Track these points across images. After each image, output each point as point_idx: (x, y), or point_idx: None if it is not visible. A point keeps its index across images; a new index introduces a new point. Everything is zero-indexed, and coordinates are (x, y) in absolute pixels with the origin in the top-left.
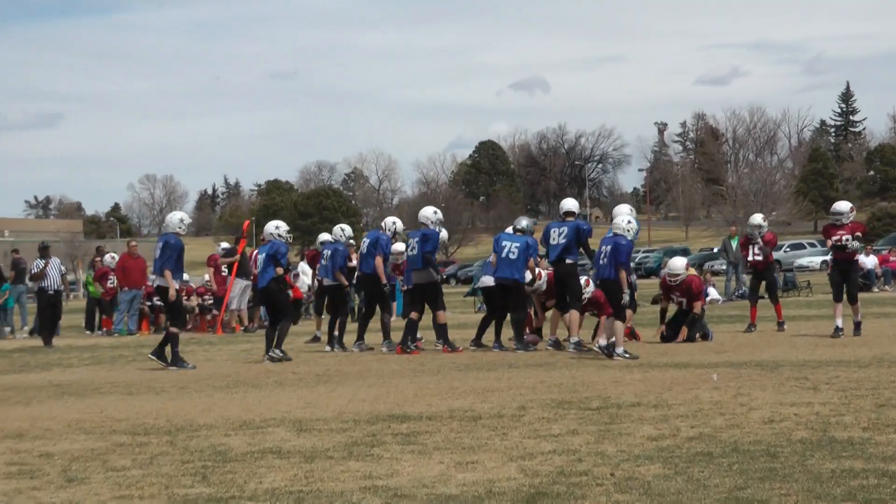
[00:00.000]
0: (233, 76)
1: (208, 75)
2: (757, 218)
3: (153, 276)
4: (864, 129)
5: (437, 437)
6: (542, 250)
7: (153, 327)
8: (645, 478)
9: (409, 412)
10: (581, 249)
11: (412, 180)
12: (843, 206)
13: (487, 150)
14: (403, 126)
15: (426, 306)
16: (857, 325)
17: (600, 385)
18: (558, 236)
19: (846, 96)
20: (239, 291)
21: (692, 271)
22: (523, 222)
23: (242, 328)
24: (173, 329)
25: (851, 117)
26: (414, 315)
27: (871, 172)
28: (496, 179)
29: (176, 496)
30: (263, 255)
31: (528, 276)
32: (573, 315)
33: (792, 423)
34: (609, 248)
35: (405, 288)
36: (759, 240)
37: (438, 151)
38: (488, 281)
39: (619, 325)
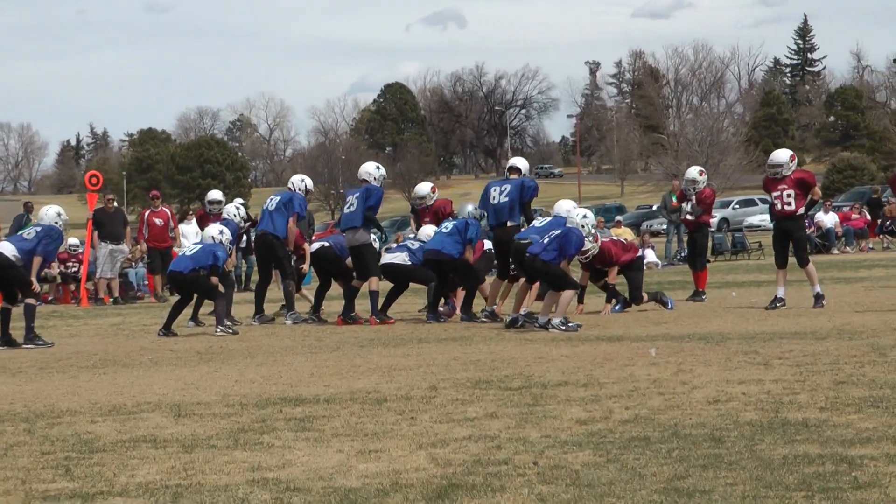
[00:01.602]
0: (99, 9)
1: (71, 8)
2: (692, 171)
3: None
4: (823, 68)
5: (336, 423)
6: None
7: None
8: (573, 466)
9: (304, 394)
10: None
11: (307, 129)
12: (781, 155)
13: (394, 94)
14: (297, 66)
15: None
16: (818, 297)
17: (522, 362)
18: (499, 195)
19: (803, 31)
20: (105, 257)
21: (610, 234)
22: (468, 208)
23: (112, 299)
24: (29, 300)
25: (809, 55)
26: (356, 283)
27: (832, 118)
28: (404, 127)
29: (35, 492)
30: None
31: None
32: (495, 283)
33: (739, 404)
34: (559, 232)
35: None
36: (693, 197)
37: (338, 96)
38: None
39: (567, 294)
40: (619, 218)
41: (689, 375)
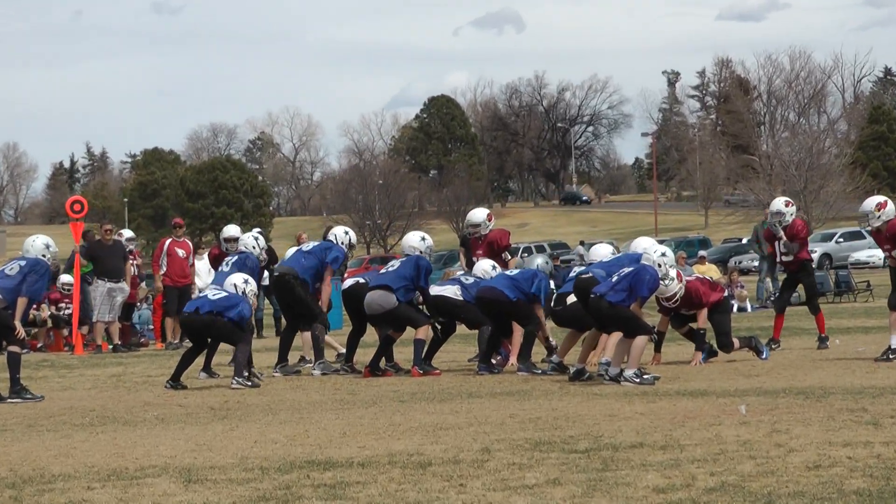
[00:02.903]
0: (98, 10)
1: (66, 9)
2: (777, 203)
3: None
4: None
5: (373, 490)
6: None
7: None
8: None
9: (335, 457)
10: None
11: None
12: (867, 204)
13: (440, 109)
14: (327, 77)
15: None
16: None
17: (590, 420)
18: None
19: None
20: (102, 297)
21: (693, 271)
22: (538, 261)
23: (111, 346)
24: (13, 348)
25: None
26: (394, 333)
27: None
28: (452, 147)
29: None
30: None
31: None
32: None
33: (845, 469)
34: (630, 270)
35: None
36: (782, 233)
37: (375, 111)
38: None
39: (639, 340)
40: (703, 253)
41: (786, 437)
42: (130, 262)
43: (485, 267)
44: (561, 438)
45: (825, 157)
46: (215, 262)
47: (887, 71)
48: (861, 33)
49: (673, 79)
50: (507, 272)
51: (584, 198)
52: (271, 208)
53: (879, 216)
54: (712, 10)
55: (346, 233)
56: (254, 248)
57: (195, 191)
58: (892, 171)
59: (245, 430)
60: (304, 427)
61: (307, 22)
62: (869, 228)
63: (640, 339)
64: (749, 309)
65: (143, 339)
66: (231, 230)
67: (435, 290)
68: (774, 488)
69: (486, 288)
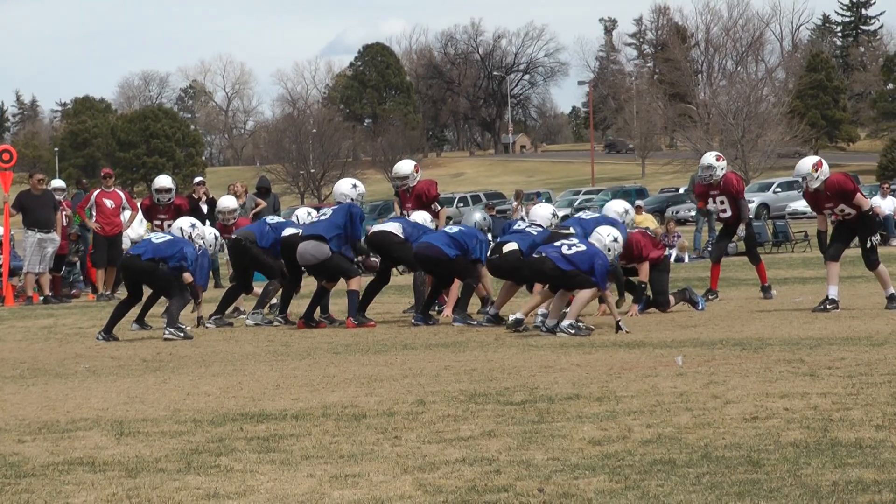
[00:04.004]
0: None
1: None
2: (708, 157)
3: None
4: (880, 27)
5: (306, 443)
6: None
7: None
8: (585, 494)
9: (269, 409)
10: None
11: (272, 98)
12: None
13: (375, 57)
14: (260, 24)
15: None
16: (891, 299)
17: (526, 371)
18: None
19: None
20: (33, 248)
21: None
22: (476, 216)
23: (41, 297)
24: None
25: (863, 11)
26: (327, 284)
27: (890, 86)
28: (387, 96)
29: None
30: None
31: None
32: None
33: (781, 421)
34: (583, 251)
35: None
36: (717, 191)
37: (308, 58)
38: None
39: (584, 294)
40: (639, 203)
41: (723, 388)
42: (60, 212)
43: (425, 217)
44: (496, 390)
45: (763, 106)
46: (147, 213)
47: (826, 19)
48: None
49: (610, 26)
50: (447, 229)
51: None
52: (204, 158)
53: (818, 176)
54: None
55: (354, 186)
56: (210, 245)
57: (126, 140)
58: (830, 120)
59: (178, 382)
60: (238, 379)
61: None
62: (805, 189)
63: (585, 293)
64: (686, 259)
65: (74, 291)
66: (162, 181)
67: (376, 226)
68: (711, 440)
69: (425, 244)
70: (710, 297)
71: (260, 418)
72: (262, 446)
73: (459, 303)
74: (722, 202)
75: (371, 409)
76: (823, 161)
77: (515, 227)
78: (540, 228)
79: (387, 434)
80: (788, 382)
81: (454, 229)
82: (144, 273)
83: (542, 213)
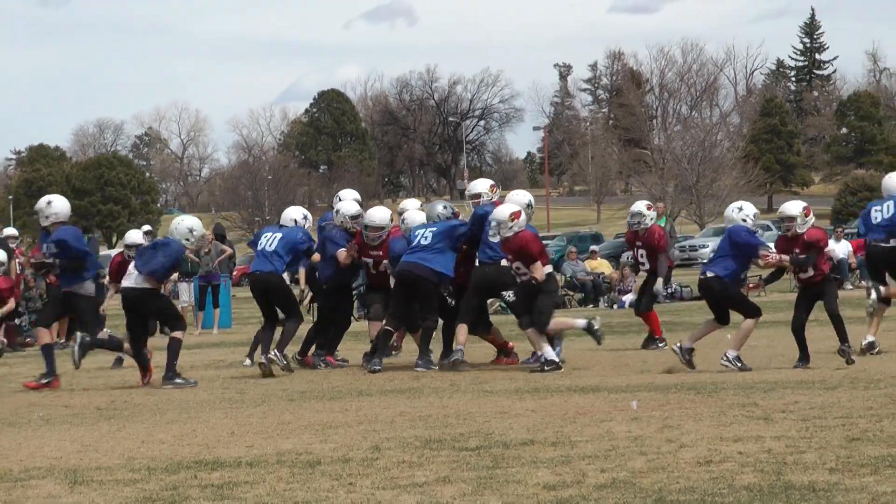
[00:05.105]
0: None
1: None
2: (639, 205)
3: None
4: (834, 72)
5: (260, 490)
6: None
7: None
8: None
9: (223, 456)
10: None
11: (227, 145)
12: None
13: (330, 103)
14: (216, 71)
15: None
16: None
17: (481, 417)
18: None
19: (810, 29)
20: None
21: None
22: (438, 208)
23: None
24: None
25: (817, 56)
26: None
27: (844, 130)
28: (342, 142)
29: None
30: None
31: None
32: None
33: (735, 465)
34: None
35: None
36: (640, 241)
37: (263, 105)
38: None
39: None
40: (594, 248)
41: (677, 432)
42: (14, 260)
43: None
44: (451, 436)
45: (717, 151)
46: (117, 271)
47: (780, 63)
48: (754, 25)
49: (565, 72)
50: (421, 240)
51: None
52: (159, 205)
53: (805, 223)
54: (605, 2)
55: (305, 217)
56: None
57: (81, 188)
58: (784, 165)
59: (132, 429)
60: (192, 426)
61: (195, 15)
62: (789, 234)
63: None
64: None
65: (28, 339)
66: (133, 236)
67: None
68: (665, 484)
69: (412, 264)
70: (658, 345)
71: (214, 466)
72: (216, 494)
73: (421, 347)
74: (642, 255)
75: (326, 455)
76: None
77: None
78: None
79: (341, 481)
80: (742, 426)
81: (428, 235)
82: (140, 301)
83: (420, 217)
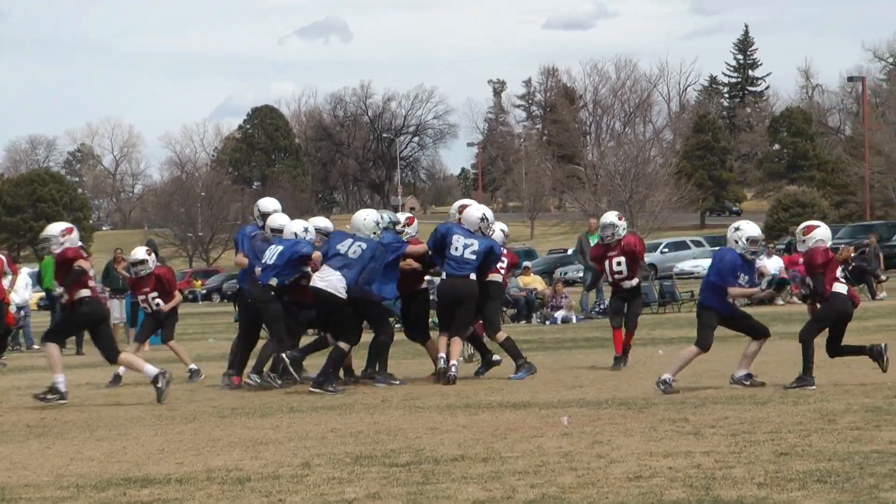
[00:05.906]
0: None
1: None
2: (610, 216)
3: None
4: (766, 88)
5: None
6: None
7: None
8: None
9: (153, 474)
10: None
11: (160, 161)
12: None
13: (263, 119)
14: (149, 87)
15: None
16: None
17: (412, 433)
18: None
19: (744, 45)
20: None
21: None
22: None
23: None
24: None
25: (750, 73)
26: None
27: (776, 146)
28: (275, 158)
29: None
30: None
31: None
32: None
33: (665, 480)
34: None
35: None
36: (615, 248)
37: (197, 121)
38: None
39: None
40: (527, 264)
41: (607, 448)
42: None
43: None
44: (382, 452)
45: (650, 167)
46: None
47: (713, 80)
48: (687, 42)
49: (499, 88)
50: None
51: None
52: (91, 222)
53: (805, 241)
54: (539, 18)
55: (306, 229)
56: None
57: (13, 204)
58: (717, 181)
59: (61, 447)
60: (122, 444)
61: (128, 31)
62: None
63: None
64: (574, 320)
65: None
66: (139, 253)
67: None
68: (595, 499)
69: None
70: (621, 365)
71: (144, 483)
72: None
73: (379, 361)
74: (619, 263)
75: (256, 472)
76: (817, 226)
77: None
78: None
79: (271, 497)
80: (672, 441)
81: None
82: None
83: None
